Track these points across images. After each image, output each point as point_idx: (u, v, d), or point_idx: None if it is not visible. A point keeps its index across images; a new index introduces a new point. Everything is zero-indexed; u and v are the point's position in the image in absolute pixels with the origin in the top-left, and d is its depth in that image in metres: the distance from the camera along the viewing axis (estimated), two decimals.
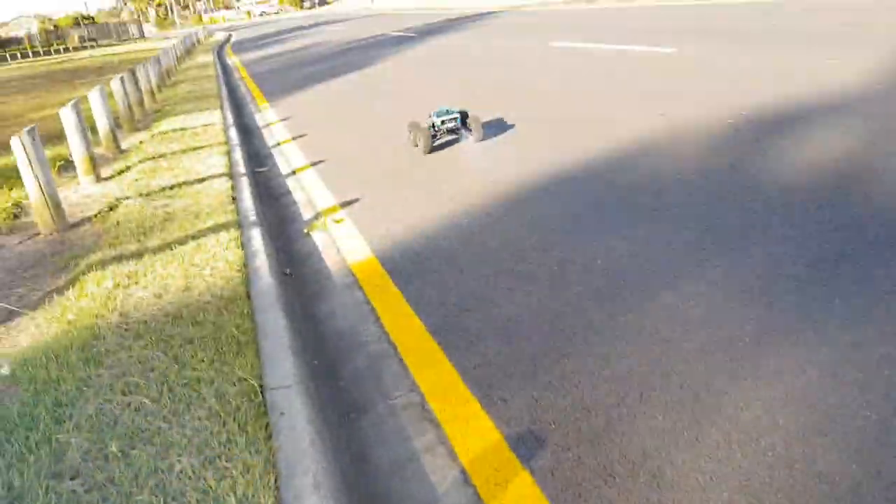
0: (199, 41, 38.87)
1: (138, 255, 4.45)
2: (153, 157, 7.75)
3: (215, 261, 4.21)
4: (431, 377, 3.01)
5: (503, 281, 3.78)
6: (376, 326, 3.57)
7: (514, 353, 3.09)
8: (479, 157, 6.34)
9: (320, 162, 7.29)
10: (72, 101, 7.00)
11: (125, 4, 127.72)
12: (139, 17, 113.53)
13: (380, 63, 15.94)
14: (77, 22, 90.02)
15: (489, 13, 28.42)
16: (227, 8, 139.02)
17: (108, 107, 8.58)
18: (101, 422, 2.58)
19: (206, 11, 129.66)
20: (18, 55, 52.26)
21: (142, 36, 78.69)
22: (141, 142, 9.12)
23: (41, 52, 54.82)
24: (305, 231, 5.24)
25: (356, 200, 5.71)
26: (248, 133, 10.05)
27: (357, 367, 3.25)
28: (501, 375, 2.94)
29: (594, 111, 7.30)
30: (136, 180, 6.75)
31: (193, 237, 4.72)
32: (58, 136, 9.83)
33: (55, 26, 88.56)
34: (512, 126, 7.27)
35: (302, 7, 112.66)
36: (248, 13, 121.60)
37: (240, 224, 5.03)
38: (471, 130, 6.85)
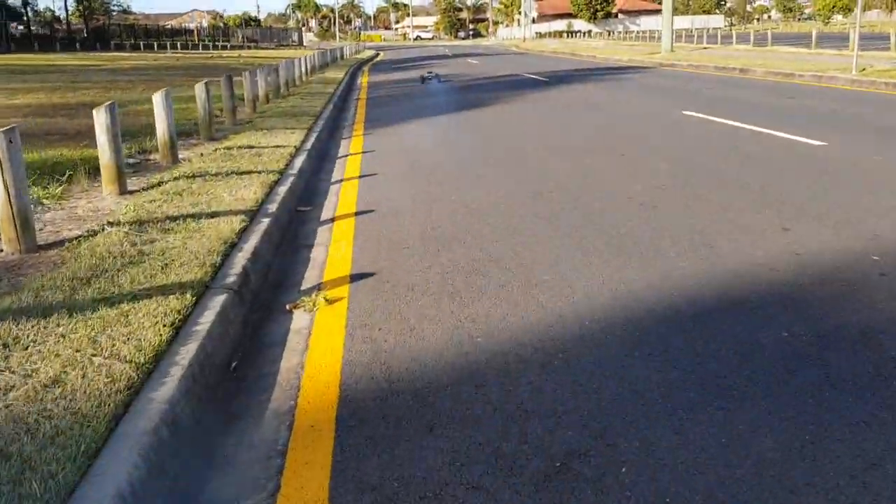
0: (341, 56, 39.42)
1: (49, 312, 3.49)
2: (191, 176, 6.95)
3: (125, 343, 3.18)
4: None
5: (463, 486, 2.52)
6: None
7: None
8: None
9: (368, 212, 6.25)
10: (107, 103, 6.29)
11: (293, 12, 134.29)
12: (302, 25, 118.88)
13: (498, 105, 14.93)
14: (244, 22, 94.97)
15: (633, 67, 26.97)
16: (385, 27, 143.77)
17: (170, 113, 7.91)
18: None
19: (365, 28, 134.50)
20: (178, 45, 55.18)
21: (300, 44, 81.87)
22: (201, 154, 8.42)
23: (199, 47, 57.69)
24: (288, 307, 4.16)
25: (370, 275, 4.59)
26: (322, 161, 9.21)
27: None
28: None
29: (700, 208, 5.89)
30: (152, 201, 5.92)
31: (135, 297, 3.73)
32: (136, 133, 9.33)
33: (224, 24, 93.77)
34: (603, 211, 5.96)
35: (456, 37, 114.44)
36: (404, 35, 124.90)
37: (207, 286, 4.01)
38: (439, 79, 20.89)
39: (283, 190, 6.67)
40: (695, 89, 16.92)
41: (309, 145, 9.40)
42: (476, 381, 3.15)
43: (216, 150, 8.60)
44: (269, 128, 10.66)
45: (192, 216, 5.41)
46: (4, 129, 4.50)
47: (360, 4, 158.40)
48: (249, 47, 66.36)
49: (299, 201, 6.94)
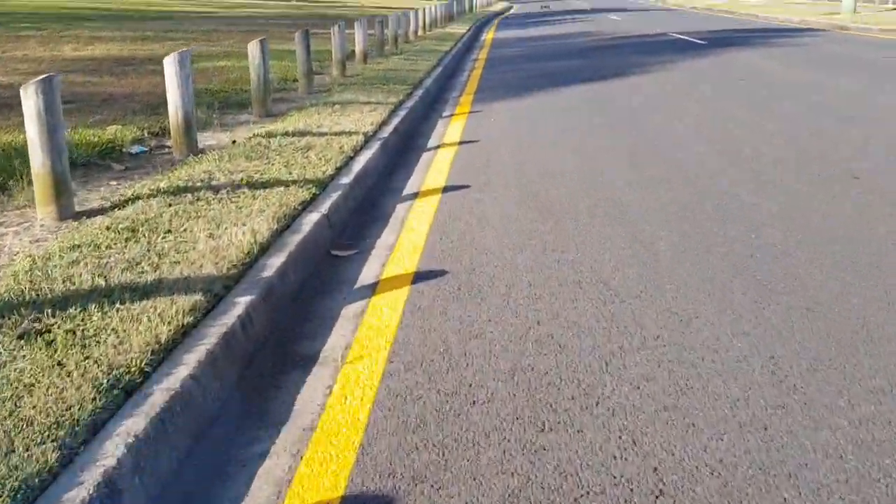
0: (470, 8, 36.53)
1: None
2: (181, 191, 4.61)
3: None
4: None
5: None
6: None
7: None
8: None
9: (435, 277, 3.75)
10: (37, 79, 4.02)
11: None
12: None
13: (644, 74, 11.89)
14: None
15: (807, 30, 22.72)
16: None
17: (187, 87, 5.63)
18: None
19: None
20: None
21: None
22: (233, 142, 6.13)
23: None
24: None
25: (388, 476, 2.09)
26: (402, 154, 6.73)
27: None
28: None
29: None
30: (76, 248, 3.60)
31: None
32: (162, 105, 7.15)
33: None
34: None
35: None
36: None
37: None
38: None
39: (310, 221, 4.24)
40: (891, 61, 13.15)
41: (388, 130, 6.93)
42: None
43: (253, 136, 6.26)
44: (347, 101, 8.23)
45: (109, 295, 3.06)
46: None
47: None
48: None
49: (340, 235, 4.52)
